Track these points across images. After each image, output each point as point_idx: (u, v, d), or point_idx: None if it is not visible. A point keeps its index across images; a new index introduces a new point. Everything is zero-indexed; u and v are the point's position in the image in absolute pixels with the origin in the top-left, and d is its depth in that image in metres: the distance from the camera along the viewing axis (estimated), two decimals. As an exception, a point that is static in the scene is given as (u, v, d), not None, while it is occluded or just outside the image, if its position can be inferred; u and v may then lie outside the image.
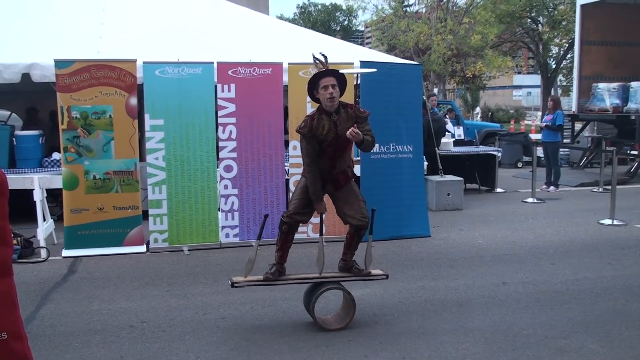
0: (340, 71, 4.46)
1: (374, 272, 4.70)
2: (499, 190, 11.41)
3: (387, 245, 7.01)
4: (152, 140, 6.82)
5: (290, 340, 4.26)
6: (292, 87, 7.24)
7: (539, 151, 12.14)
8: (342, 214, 4.50)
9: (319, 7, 48.15)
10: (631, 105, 12.95)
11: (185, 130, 6.88)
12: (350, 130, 4.25)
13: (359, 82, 7.41)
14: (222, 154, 7.04)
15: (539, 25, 28.27)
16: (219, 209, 7.09)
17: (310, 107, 7.16)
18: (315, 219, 5.14)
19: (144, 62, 6.88)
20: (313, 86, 4.41)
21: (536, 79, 43.68)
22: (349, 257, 4.60)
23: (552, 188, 11.47)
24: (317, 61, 4.42)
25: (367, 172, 7.32)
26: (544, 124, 11.69)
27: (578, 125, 15.45)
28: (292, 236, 4.54)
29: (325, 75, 4.35)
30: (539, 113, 32.09)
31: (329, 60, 4.45)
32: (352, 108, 4.47)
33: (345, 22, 47.53)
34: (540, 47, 28.13)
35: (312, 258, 6.48)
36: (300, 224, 4.55)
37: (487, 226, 8.24)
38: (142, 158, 7.16)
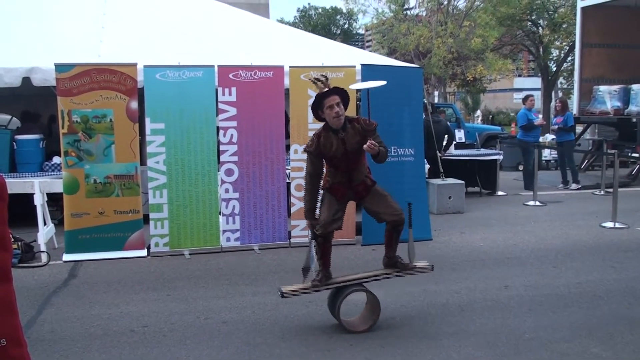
0: (350, 86, 4.42)
1: (418, 265, 4.71)
2: (500, 193, 11.40)
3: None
4: (153, 144, 6.81)
5: (292, 344, 4.25)
6: (294, 90, 7.23)
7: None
8: (373, 214, 4.51)
9: (320, 10, 48.20)
10: (632, 108, 12.92)
11: (186, 134, 6.87)
12: (368, 143, 4.25)
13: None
14: (223, 158, 7.03)
15: (540, 28, 28.25)
16: (220, 212, 7.07)
17: (310, 111, 7.15)
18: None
19: (144, 66, 6.88)
20: (317, 106, 4.40)
21: (536, 82, 43.63)
22: (392, 253, 4.62)
23: (573, 185, 11.95)
24: (318, 82, 4.38)
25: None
26: (556, 126, 12.11)
27: (579, 128, 15.43)
28: (329, 244, 4.50)
29: (328, 94, 4.34)
30: (540, 116, 32.02)
31: (329, 72, 4.47)
32: (358, 122, 4.43)
33: (346, 26, 47.56)
34: (541, 49, 28.11)
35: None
36: (335, 231, 4.50)
37: (489, 229, 8.22)
38: (142, 162, 7.15)
